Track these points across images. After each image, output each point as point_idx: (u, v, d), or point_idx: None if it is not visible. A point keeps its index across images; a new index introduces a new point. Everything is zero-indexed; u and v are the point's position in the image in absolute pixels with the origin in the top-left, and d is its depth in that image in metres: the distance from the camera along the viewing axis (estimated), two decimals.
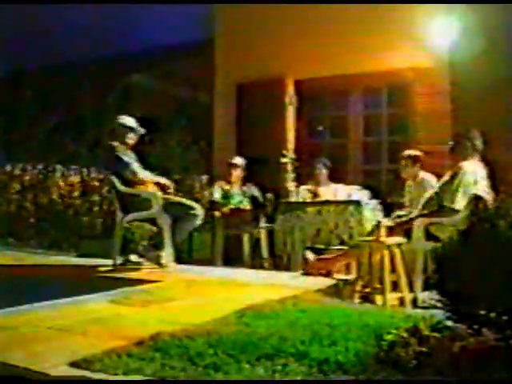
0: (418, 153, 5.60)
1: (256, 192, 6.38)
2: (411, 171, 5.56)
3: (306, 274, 4.60)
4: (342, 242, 5.12)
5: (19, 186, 8.15)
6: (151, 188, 5.14)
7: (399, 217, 4.90)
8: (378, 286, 3.85)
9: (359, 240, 4.40)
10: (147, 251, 5.13)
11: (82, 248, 6.27)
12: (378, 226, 4.13)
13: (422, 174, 5.54)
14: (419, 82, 6.23)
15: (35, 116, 10.71)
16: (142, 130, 5.30)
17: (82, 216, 7.73)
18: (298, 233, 5.46)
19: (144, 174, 5.14)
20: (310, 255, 4.83)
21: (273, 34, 6.92)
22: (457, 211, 4.33)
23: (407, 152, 5.62)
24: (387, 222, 4.51)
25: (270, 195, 6.19)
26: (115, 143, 5.14)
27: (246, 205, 6.25)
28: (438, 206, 4.51)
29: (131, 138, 5.23)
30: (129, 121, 5.28)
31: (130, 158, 5.14)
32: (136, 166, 5.13)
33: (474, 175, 4.44)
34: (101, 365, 2.19)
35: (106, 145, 5.36)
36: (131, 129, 5.23)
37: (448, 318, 2.43)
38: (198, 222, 5.11)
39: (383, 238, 3.90)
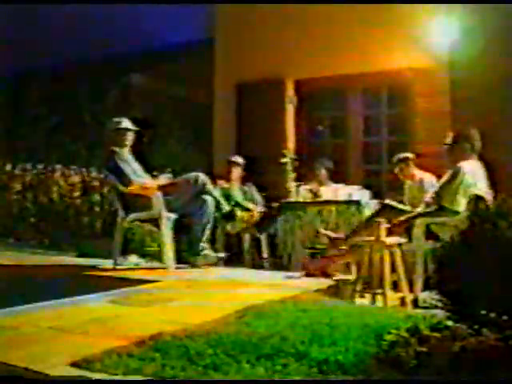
0: (408, 154, 5.70)
1: (255, 192, 6.37)
2: (407, 173, 5.67)
3: (307, 275, 4.61)
4: None
5: (19, 185, 8.14)
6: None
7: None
8: (378, 286, 3.85)
9: (359, 240, 4.40)
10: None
11: (82, 248, 6.26)
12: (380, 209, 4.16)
13: (420, 174, 5.58)
14: (419, 82, 6.23)
15: (35, 116, 10.70)
16: (136, 128, 5.28)
17: (82, 216, 7.72)
18: (299, 233, 5.46)
19: (141, 181, 5.10)
20: (307, 256, 4.85)
21: (273, 34, 6.91)
22: (457, 212, 4.33)
23: (397, 156, 5.75)
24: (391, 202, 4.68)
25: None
26: (114, 148, 5.12)
27: (246, 204, 6.24)
28: (437, 207, 4.51)
29: (127, 139, 5.21)
30: (121, 123, 5.24)
31: (126, 163, 5.08)
32: (132, 171, 5.06)
33: (474, 175, 4.44)
34: (101, 365, 2.19)
35: (105, 145, 5.34)
36: (126, 129, 5.22)
37: (448, 318, 2.43)
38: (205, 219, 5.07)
39: (383, 238, 3.90)
